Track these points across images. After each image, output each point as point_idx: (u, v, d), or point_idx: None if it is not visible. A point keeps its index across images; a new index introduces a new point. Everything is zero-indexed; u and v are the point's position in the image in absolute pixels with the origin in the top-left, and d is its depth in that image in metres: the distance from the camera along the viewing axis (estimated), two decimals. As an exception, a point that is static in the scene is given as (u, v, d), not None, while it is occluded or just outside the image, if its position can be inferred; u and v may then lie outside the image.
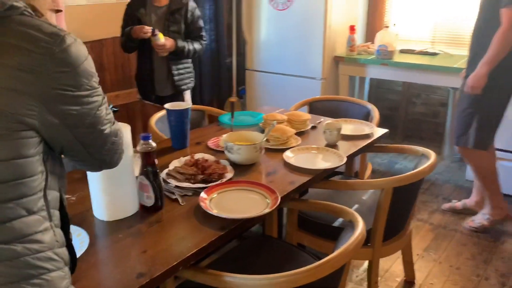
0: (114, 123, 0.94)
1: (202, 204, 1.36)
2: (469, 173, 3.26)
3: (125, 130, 1.28)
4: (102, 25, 3.09)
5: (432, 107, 3.93)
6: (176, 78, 2.76)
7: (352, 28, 3.53)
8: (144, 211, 1.38)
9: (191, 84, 2.90)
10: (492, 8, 2.26)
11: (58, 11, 0.93)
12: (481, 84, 2.32)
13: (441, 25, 3.63)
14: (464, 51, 3.50)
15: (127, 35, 2.63)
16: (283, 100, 3.64)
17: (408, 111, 4.05)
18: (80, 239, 1.21)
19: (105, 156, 0.94)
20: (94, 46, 3.09)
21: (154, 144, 1.36)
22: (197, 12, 2.75)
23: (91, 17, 3.03)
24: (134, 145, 1.38)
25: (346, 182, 1.76)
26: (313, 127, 2.18)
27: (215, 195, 1.44)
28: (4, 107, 0.74)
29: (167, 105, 1.92)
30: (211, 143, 1.95)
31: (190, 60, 2.86)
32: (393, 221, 1.76)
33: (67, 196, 1.13)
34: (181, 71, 2.78)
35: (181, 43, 2.66)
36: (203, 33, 2.79)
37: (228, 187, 1.50)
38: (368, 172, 2.56)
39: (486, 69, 2.28)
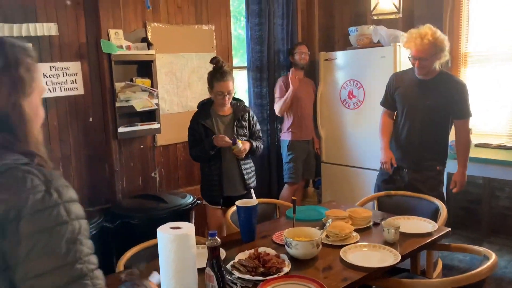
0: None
1: (256, 296, 1.54)
2: None
3: (190, 229, 1.55)
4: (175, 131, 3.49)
5: (517, 201, 3.75)
6: (246, 177, 2.93)
7: (422, 124, 3.64)
8: (209, 299, 1.58)
9: (255, 182, 3.04)
10: (440, 119, 2.82)
11: None
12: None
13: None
14: (545, 145, 3.41)
15: (209, 145, 2.78)
16: (356, 191, 3.78)
17: (492, 204, 3.90)
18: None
19: None
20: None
21: (219, 240, 1.59)
22: (255, 116, 3.04)
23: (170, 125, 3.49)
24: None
25: (400, 281, 1.82)
26: (376, 224, 2.28)
27: (270, 288, 1.61)
28: None
29: (237, 202, 2.18)
30: (275, 237, 2.14)
31: (251, 160, 3.03)
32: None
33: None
34: (248, 171, 2.97)
35: (253, 143, 2.92)
36: (261, 134, 3.05)
37: (283, 281, 1.66)
38: (438, 270, 2.52)
39: (466, 169, 2.92)
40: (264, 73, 4.12)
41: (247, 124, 2.94)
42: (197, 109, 2.95)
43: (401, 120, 2.90)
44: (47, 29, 2.82)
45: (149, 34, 3.23)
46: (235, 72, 4.08)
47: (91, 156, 3.09)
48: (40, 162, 0.93)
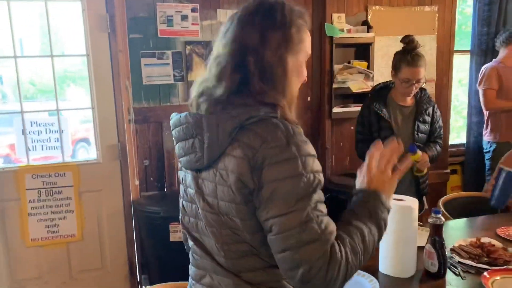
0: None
1: (482, 280, 1.46)
2: None
3: (414, 203, 1.56)
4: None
5: None
6: (420, 181, 2.53)
7: None
8: (427, 276, 1.56)
9: (428, 188, 2.63)
10: None
11: None
12: None
13: None
14: None
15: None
16: None
17: None
18: (372, 285, 1.50)
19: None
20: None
21: (442, 219, 1.56)
22: (439, 111, 2.58)
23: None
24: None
25: None
26: None
27: (498, 278, 1.50)
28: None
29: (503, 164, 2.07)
30: (500, 230, 1.96)
31: None
32: None
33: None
34: (423, 174, 2.50)
35: (431, 152, 2.45)
36: (442, 133, 2.58)
37: (513, 274, 1.53)
38: None
39: None
40: (489, 57, 3.71)
41: (430, 119, 2.50)
42: (370, 94, 2.58)
43: None
44: (279, 15, 3.13)
45: (369, 17, 3.28)
46: (457, 57, 3.80)
47: (305, 133, 3.33)
48: (283, 114, 1.00)
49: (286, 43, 1.02)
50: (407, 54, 2.36)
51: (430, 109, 2.50)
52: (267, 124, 0.96)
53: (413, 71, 2.34)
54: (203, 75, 1.08)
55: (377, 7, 3.30)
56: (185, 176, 1.13)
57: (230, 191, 0.98)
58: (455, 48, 3.70)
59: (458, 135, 4.30)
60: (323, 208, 0.96)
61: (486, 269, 1.56)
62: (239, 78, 1.00)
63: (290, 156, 0.93)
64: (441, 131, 2.56)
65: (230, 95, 1.00)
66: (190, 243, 1.15)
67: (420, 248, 1.63)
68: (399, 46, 2.43)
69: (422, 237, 1.68)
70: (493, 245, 1.73)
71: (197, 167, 1.04)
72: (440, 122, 2.56)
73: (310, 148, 0.97)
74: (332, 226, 0.96)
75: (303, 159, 0.94)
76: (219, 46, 1.04)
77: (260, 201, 0.95)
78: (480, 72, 3.52)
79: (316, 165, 0.97)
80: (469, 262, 1.64)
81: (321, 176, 0.97)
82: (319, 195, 0.96)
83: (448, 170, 3.75)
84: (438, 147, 2.52)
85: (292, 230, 0.92)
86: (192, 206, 1.11)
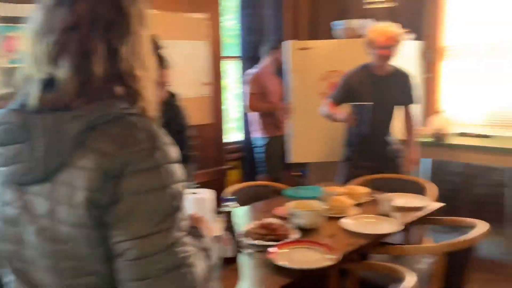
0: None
1: (270, 256, 1.62)
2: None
3: (209, 194, 1.63)
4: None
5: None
6: None
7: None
8: (225, 262, 1.64)
9: None
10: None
11: None
12: None
13: (494, 110, 3.79)
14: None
15: None
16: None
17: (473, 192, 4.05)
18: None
19: None
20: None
21: (233, 204, 1.67)
22: (187, 120, 2.50)
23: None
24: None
25: (401, 247, 1.92)
26: (373, 200, 2.37)
27: (283, 251, 1.69)
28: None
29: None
30: (277, 211, 2.22)
31: None
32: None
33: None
34: None
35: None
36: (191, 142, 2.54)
37: (294, 245, 1.75)
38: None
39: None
40: (255, 63, 4.13)
41: (179, 128, 2.40)
42: None
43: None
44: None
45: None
46: (228, 62, 4.11)
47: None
48: (146, 108, 0.87)
49: (142, 18, 0.88)
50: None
51: (179, 119, 2.42)
52: (124, 124, 0.80)
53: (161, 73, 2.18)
54: (22, 57, 0.84)
55: (153, 10, 3.28)
56: (1, 190, 0.87)
57: (76, 213, 0.78)
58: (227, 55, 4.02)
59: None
60: (185, 226, 0.85)
61: (272, 245, 1.73)
62: (86, 57, 0.80)
63: (155, 164, 0.79)
64: (190, 141, 2.49)
65: (74, 82, 0.80)
66: (9, 277, 0.91)
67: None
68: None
69: (216, 226, 1.75)
70: (274, 224, 1.94)
71: (25, 181, 0.82)
72: (188, 133, 2.49)
73: (174, 152, 0.84)
74: (191, 246, 0.86)
75: (169, 168, 0.81)
76: (48, 19, 0.82)
77: (115, 219, 0.78)
78: (244, 77, 3.90)
79: (180, 172, 0.85)
80: (260, 242, 1.79)
81: (183, 186, 0.85)
82: (182, 212, 0.84)
83: (226, 167, 4.04)
84: (191, 165, 2.46)
85: (155, 256, 0.78)
86: (13, 230, 0.86)
